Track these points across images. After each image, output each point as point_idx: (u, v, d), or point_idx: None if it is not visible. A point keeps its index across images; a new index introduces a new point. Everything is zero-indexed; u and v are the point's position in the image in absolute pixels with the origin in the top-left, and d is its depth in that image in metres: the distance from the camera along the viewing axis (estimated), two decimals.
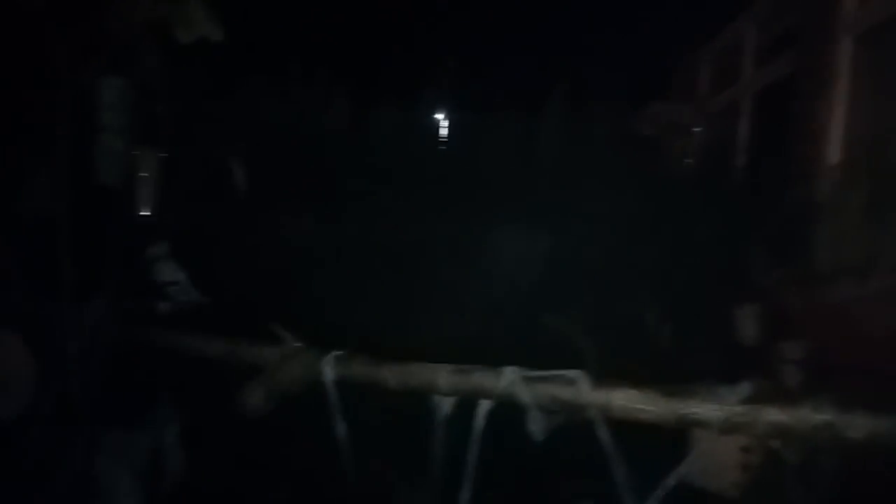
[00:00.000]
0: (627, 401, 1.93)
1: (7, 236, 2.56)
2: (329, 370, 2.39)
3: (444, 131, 5.54)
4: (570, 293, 3.67)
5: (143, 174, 3.89)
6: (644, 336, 3.59)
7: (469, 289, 3.68)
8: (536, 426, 2.09)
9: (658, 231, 3.95)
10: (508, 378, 2.11)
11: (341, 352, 2.41)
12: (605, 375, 2.02)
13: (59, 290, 2.41)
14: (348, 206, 3.95)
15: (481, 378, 2.17)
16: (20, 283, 2.48)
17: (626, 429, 1.97)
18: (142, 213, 3.91)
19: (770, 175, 4.21)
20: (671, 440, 2.14)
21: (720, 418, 1.85)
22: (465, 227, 3.89)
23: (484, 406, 2.22)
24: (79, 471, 2.63)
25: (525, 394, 2.08)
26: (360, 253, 3.71)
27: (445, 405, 2.34)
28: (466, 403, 2.28)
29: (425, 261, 3.74)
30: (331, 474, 2.47)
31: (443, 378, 2.22)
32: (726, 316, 3.60)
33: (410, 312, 3.32)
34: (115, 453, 2.81)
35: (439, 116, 5.82)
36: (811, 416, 1.79)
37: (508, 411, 2.16)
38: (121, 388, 2.70)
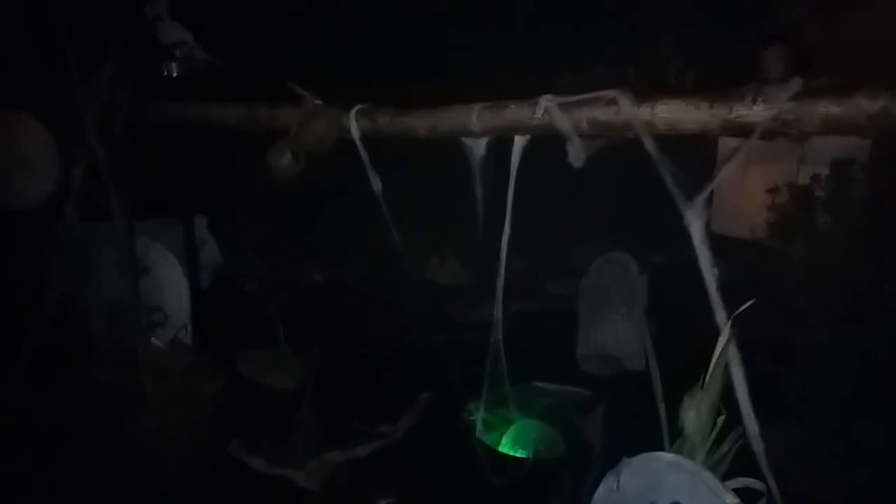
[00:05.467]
0: (671, 111, 1.85)
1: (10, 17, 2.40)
2: (354, 125, 2.31)
3: None
4: None
5: None
6: None
7: None
8: (576, 154, 2.03)
9: None
10: (544, 106, 2.02)
11: (364, 105, 2.32)
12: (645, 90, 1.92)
13: (66, 64, 2.28)
14: None
15: (515, 111, 2.08)
16: (27, 63, 2.36)
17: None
18: None
19: None
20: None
21: (769, 117, 1.78)
22: None
23: (520, 142, 2.17)
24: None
25: (563, 121, 2.00)
26: None
27: (479, 147, 2.28)
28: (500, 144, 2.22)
29: None
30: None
31: (475, 116, 2.14)
32: None
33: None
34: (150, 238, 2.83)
35: None
36: (865, 104, 1.71)
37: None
38: (147, 170, 2.65)
